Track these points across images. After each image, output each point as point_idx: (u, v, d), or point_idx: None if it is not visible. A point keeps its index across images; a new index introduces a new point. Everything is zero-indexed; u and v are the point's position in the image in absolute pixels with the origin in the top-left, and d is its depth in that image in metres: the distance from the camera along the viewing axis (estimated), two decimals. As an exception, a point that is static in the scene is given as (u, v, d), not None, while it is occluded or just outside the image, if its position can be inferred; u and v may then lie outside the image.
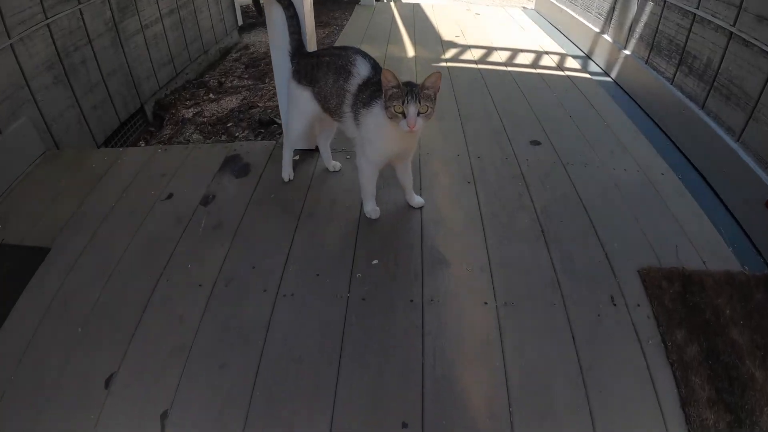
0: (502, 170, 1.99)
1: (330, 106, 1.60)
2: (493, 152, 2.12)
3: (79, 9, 2.41)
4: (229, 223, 1.68)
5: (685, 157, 2.29)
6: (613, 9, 3.21)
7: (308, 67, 1.64)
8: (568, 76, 3.05)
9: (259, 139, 2.87)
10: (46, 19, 2.18)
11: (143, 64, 3.12)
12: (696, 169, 2.20)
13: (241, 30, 5.12)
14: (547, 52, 3.47)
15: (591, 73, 3.19)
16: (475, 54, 3.41)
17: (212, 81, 3.88)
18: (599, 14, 3.40)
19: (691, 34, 2.33)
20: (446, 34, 3.90)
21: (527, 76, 3.02)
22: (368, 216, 1.70)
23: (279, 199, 1.81)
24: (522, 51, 3.47)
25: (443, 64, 3.20)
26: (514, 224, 1.68)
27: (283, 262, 1.51)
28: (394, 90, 1.31)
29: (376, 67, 1.53)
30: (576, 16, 3.85)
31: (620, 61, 3.08)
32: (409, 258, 1.52)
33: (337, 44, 3.70)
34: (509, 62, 3.25)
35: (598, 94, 2.82)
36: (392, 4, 4.96)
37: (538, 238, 1.61)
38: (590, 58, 3.49)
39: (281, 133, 2.34)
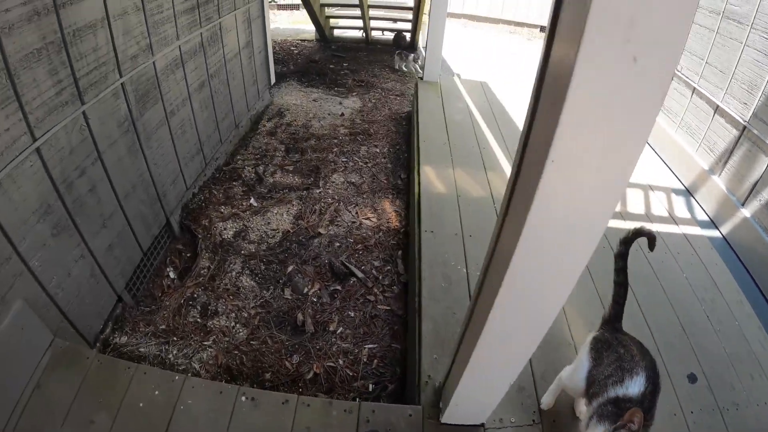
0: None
1: (587, 395, 1.47)
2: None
3: (83, 112, 1.87)
4: None
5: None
6: (730, 152, 3.02)
7: (604, 343, 1.52)
8: (684, 235, 2.86)
9: (337, 302, 2.48)
10: (34, 141, 1.63)
11: (168, 164, 2.70)
12: None
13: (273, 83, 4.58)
14: (651, 187, 3.25)
15: (700, 224, 3.02)
16: None
17: (247, 169, 3.42)
18: (710, 149, 3.21)
19: None
20: None
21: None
22: None
23: None
24: (631, 186, 3.21)
25: None
26: None
27: None
28: None
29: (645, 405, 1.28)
30: (673, 134, 3.64)
31: (735, 220, 2.94)
32: None
33: (422, 158, 3.23)
34: (624, 211, 2.96)
35: (718, 267, 2.65)
36: (457, 81, 4.49)
37: None
38: (691, 195, 3.32)
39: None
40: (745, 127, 2.94)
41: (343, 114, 4.32)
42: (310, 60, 5.71)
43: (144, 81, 2.33)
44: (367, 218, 3.05)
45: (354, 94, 4.82)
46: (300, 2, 5.68)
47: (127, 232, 2.25)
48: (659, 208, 3.08)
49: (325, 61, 5.70)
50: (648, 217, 2.97)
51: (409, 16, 6.12)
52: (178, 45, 2.64)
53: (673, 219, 3.01)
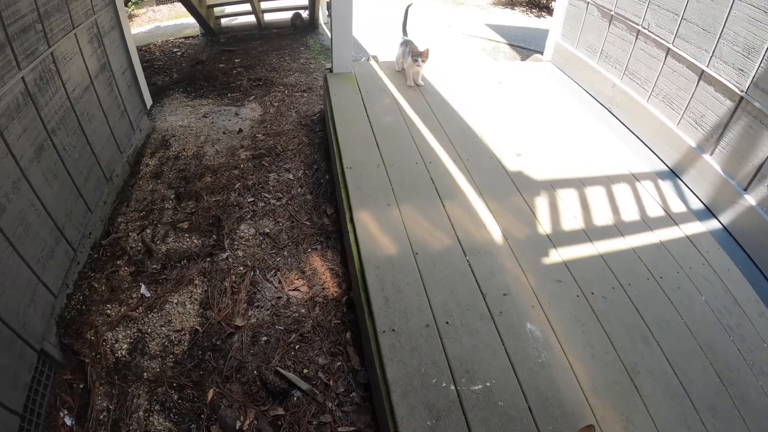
0: None
1: None
2: None
3: None
4: None
5: None
6: (724, 127, 2.51)
7: None
8: (688, 239, 2.37)
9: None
10: None
11: (16, 281, 1.85)
12: None
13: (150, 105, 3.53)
14: (636, 176, 2.70)
15: (696, 215, 2.54)
16: (566, 200, 2.46)
17: (132, 237, 2.59)
18: (696, 123, 2.69)
19: None
20: (494, 141, 2.87)
21: (653, 253, 2.24)
22: None
23: None
24: (615, 180, 2.64)
25: (556, 256, 2.12)
26: None
27: None
28: None
29: None
30: (645, 104, 3.07)
31: (738, 208, 2.46)
32: None
33: (352, 186, 2.41)
34: (619, 222, 2.37)
35: (731, 273, 2.22)
36: (375, 67, 3.61)
37: None
38: (678, 177, 2.81)
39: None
40: (741, 98, 2.40)
41: (241, 130, 3.38)
42: (196, 62, 4.67)
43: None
44: (295, 288, 2.27)
45: (252, 98, 3.87)
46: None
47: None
48: (652, 205, 2.54)
49: (214, 60, 4.67)
50: (645, 222, 2.42)
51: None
52: (-15, 108, 1.70)
53: (671, 218, 2.49)
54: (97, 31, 2.76)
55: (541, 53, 4.38)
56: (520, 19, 6.85)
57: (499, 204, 2.35)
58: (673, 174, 2.84)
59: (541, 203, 2.38)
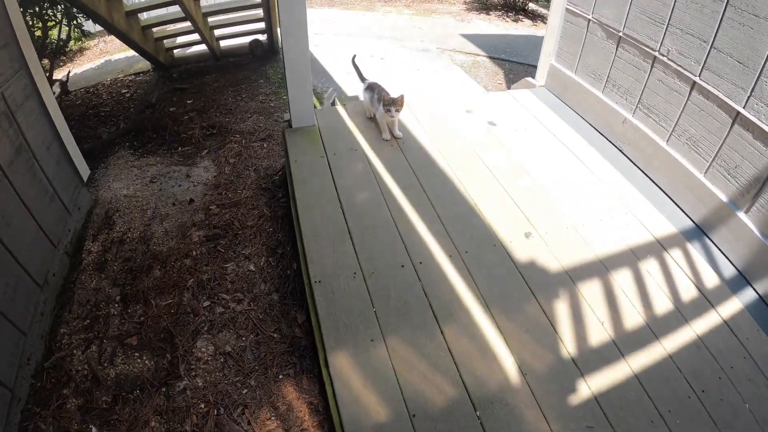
0: None
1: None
2: None
3: None
4: None
5: None
6: (764, 182, 2.10)
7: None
8: (726, 324, 1.98)
9: None
10: None
11: None
12: None
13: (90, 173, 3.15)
14: (661, 243, 2.29)
15: (728, 283, 2.16)
16: (590, 298, 2.00)
17: (77, 356, 2.22)
18: (728, 173, 2.27)
19: None
20: (496, 217, 2.37)
21: (692, 357, 1.83)
22: None
23: None
24: (640, 255, 2.22)
25: (585, 390, 1.67)
26: None
27: None
28: None
29: None
30: (664, 146, 2.63)
31: None
32: None
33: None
34: (652, 319, 1.94)
35: None
36: (343, 114, 3.11)
37: None
38: (705, 234, 2.40)
39: None
40: (787, 152, 2.00)
41: (192, 200, 2.89)
42: (145, 105, 4.15)
43: None
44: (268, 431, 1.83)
45: (205, 152, 3.36)
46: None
47: None
48: (684, 283, 2.14)
49: (165, 103, 4.15)
50: (680, 311, 2.01)
51: (260, 12, 4.55)
52: None
53: (705, 297, 2.09)
54: (6, 107, 2.25)
55: (527, 67, 3.88)
56: (497, 26, 6.40)
57: (511, 320, 1.88)
58: (701, 231, 2.43)
59: (561, 310, 1.92)
